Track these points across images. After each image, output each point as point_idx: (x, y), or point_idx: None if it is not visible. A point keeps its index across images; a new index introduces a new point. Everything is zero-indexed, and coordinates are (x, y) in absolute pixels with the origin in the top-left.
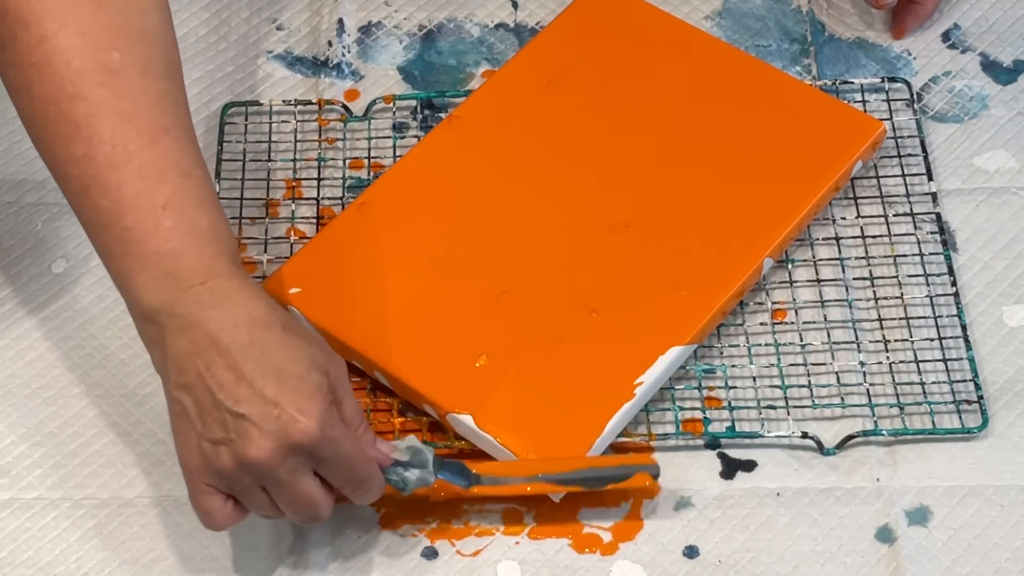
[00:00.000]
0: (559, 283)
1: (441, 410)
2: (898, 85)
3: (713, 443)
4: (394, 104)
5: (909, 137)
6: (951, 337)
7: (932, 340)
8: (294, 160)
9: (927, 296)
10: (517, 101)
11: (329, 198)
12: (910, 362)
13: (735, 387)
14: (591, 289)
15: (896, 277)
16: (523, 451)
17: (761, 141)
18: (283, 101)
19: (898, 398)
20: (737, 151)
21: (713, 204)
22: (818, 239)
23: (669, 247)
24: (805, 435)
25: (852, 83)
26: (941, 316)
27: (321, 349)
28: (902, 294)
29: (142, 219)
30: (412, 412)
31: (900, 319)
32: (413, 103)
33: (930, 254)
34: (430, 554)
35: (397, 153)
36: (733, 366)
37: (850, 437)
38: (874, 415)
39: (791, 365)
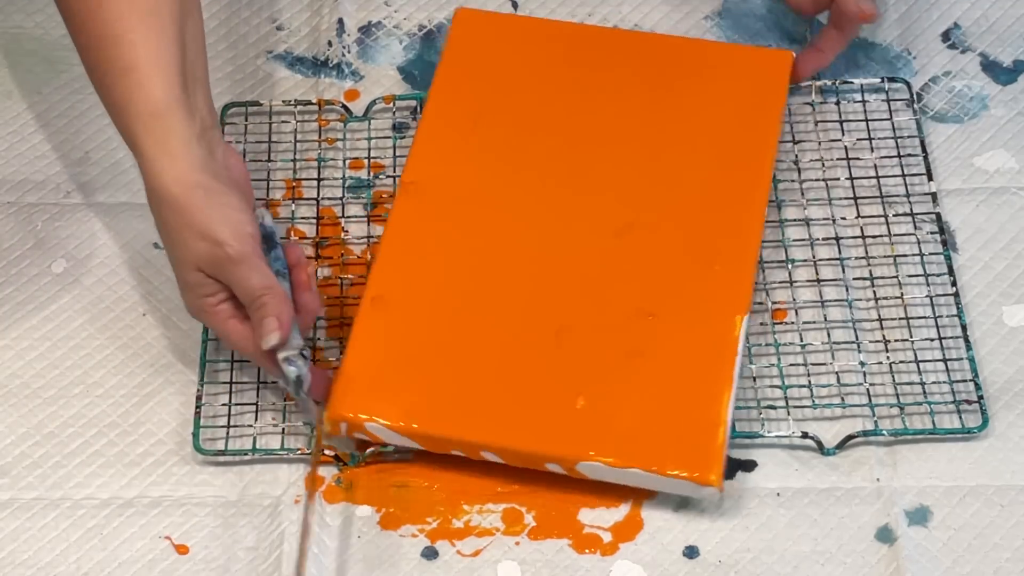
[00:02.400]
0: (606, 301)
1: (569, 462)
2: (898, 85)
3: None
4: (394, 104)
5: (909, 137)
6: (951, 337)
7: (932, 340)
8: (294, 160)
9: (927, 296)
10: (457, 152)
11: (329, 198)
12: (910, 362)
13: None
14: (634, 296)
15: (896, 277)
16: (668, 467)
17: (702, 111)
18: (283, 101)
19: (898, 398)
20: (686, 127)
21: (695, 181)
22: (818, 239)
23: (678, 233)
24: (805, 435)
25: (852, 83)
26: (941, 316)
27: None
28: (902, 294)
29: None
30: (505, 475)
31: (900, 319)
32: (413, 103)
33: (930, 254)
34: (430, 554)
35: (397, 153)
36: None
37: (850, 437)
38: (874, 415)
39: (791, 365)
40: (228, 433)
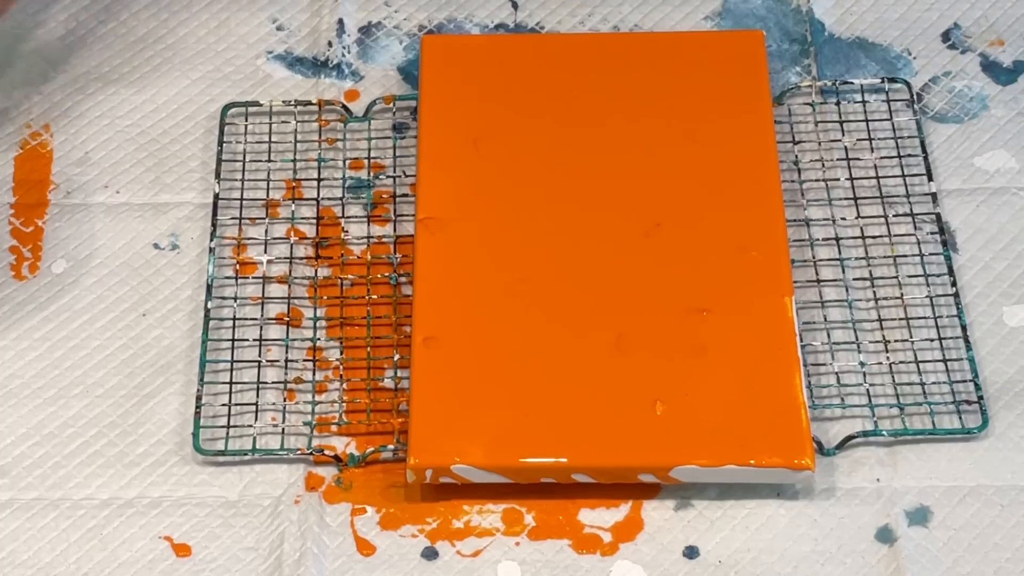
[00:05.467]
0: (656, 303)
1: (663, 470)
2: (898, 85)
3: None
4: (394, 104)
5: (909, 137)
6: (951, 337)
7: (932, 340)
8: (294, 160)
9: (927, 296)
10: (465, 178)
11: (329, 198)
12: (910, 362)
13: None
14: (682, 294)
15: (896, 277)
16: (763, 459)
17: (692, 102)
18: (283, 101)
19: (898, 398)
20: (681, 120)
21: (706, 170)
22: (818, 239)
23: (705, 225)
24: None
25: (852, 83)
26: (941, 316)
27: None
28: (902, 294)
29: None
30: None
31: (900, 319)
32: (413, 103)
33: (930, 254)
34: (430, 554)
35: (397, 154)
36: None
37: (850, 437)
38: (874, 415)
39: None
40: (228, 433)
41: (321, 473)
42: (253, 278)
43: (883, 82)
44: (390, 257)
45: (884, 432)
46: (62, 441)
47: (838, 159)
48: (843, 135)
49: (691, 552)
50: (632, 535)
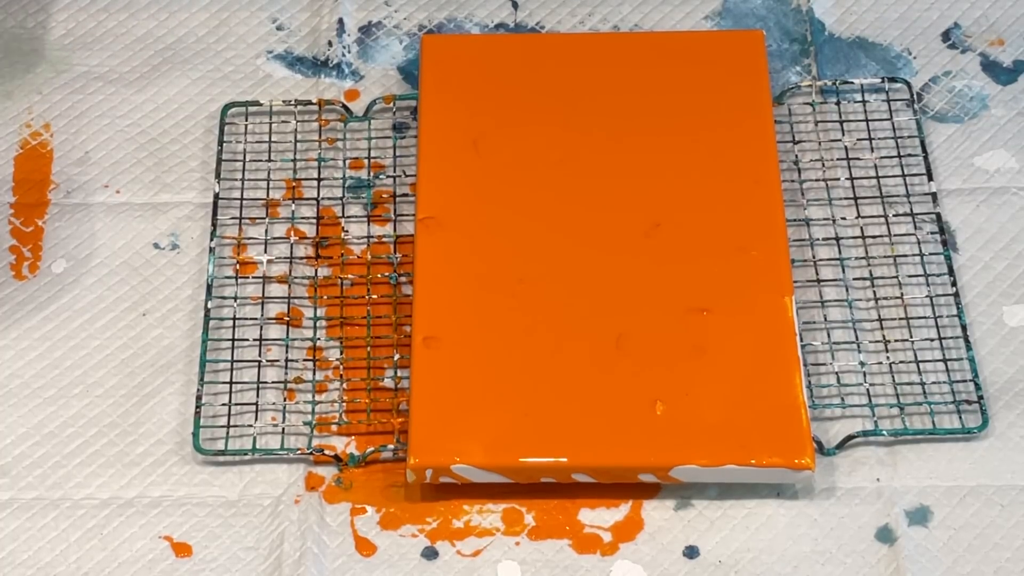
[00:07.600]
0: (656, 303)
1: (663, 470)
2: (898, 85)
3: None
4: (394, 104)
5: (909, 137)
6: (951, 337)
7: (932, 340)
8: (294, 160)
9: (927, 296)
10: (465, 178)
11: (329, 198)
12: (910, 362)
13: None
14: (682, 294)
15: (896, 277)
16: (763, 458)
17: (693, 101)
18: (283, 101)
19: (898, 398)
20: (682, 120)
21: (706, 170)
22: (818, 239)
23: (705, 225)
24: None
25: (852, 83)
26: (941, 316)
27: None
28: (902, 294)
29: None
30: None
31: (900, 319)
32: (413, 103)
33: (930, 254)
34: (430, 554)
35: (397, 153)
36: None
37: (850, 437)
38: (874, 415)
39: None
40: (228, 433)
41: (321, 473)
42: (253, 278)
43: (883, 82)
44: (390, 257)
45: (884, 432)
46: (62, 441)
47: (838, 159)
48: (843, 135)
49: (691, 552)
50: (632, 535)
